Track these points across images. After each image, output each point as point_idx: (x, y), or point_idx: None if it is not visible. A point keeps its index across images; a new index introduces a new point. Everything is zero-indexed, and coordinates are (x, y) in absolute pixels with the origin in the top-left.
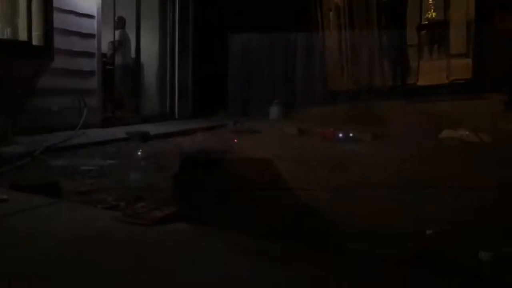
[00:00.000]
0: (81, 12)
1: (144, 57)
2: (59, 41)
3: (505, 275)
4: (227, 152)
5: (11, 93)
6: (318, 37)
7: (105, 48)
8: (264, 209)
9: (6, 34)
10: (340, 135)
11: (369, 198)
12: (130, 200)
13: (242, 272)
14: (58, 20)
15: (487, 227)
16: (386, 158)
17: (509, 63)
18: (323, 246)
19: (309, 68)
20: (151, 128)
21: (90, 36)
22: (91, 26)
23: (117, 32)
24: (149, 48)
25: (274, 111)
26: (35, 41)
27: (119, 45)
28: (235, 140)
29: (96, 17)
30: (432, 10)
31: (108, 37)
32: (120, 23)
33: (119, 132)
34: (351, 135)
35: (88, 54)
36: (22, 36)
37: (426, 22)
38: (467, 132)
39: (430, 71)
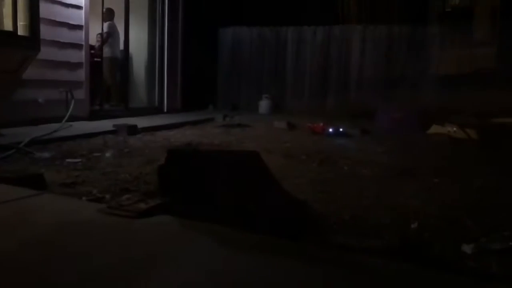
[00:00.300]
0: (68, 2)
1: (132, 50)
2: (45, 32)
3: (487, 267)
4: (215, 146)
5: None
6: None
7: (93, 40)
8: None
9: None
10: (331, 129)
11: (355, 191)
12: (116, 192)
13: (225, 263)
14: (45, 10)
15: (468, 220)
16: (374, 152)
17: None
18: (308, 238)
19: (299, 62)
20: (139, 122)
21: (78, 27)
22: (79, 17)
23: (105, 24)
24: (138, 41)
25: (263, 105)
26: (20, 31)
27: (107, 37)
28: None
29: (84, 8)
30: None
31: (96, 29)
32: (108, 15)
33: (107, 125)
34: (341, 129)
35: (75, 46)
36: (7, 25)
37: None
38: (454, 128)
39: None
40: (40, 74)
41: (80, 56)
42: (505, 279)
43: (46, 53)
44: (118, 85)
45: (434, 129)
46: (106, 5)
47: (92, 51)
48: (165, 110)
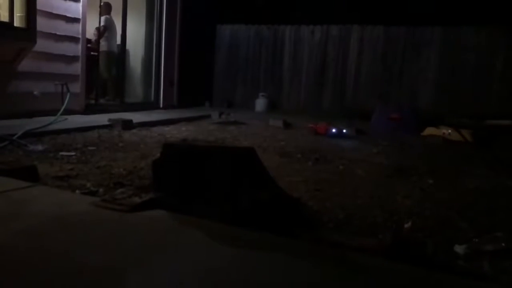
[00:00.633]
0: None
1: (129, 45)
2: (42, 24)
3: (479, 268)
4: (210, 142)
5: None
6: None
7: (90, 33)
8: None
9: None
10: (334, 130)
11: (350, 190)
12: (110, 186)
13: (219, 258)
14: (42, 2)
15: (462, 221)
16: (369, 152)
17: None
18: (302, 235)
19: (296, 61)
20: (135, 117)
21: (75, 20)
22: (76, 10)
23: (103, 18)
24: (135, 36)
25: (260, 103)
26: (17, 23)
27: (104, 31)
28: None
29: (81, 1)
30: None
31: (93, 22)
32: (106, 9)
33: (102, 119)
34: (344, 131)
35: (72, 39)
36: (4, 16)
37: None
38: (449, 130)
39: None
40: (36, 66)
41: (77, 49)
42: (496, 279)
43: (42, 45)
44: (114, 79)
45: (429, 131)
46: None
47: (89, 45)
48: (161, 106)
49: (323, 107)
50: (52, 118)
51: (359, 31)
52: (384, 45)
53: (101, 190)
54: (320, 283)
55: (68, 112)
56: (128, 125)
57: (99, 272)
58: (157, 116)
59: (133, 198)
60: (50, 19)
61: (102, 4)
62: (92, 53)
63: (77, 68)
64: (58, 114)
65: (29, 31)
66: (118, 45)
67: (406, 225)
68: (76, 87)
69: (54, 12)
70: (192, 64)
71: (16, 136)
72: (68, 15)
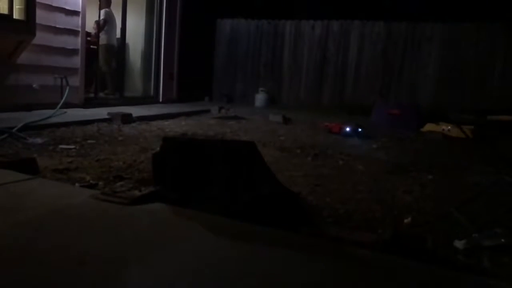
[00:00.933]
0: None
1: (129, 38)
2: (41, 16)
3: (478, 263)
4: (209, 137)
5: None
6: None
7: (89, 26)
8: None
9: None
10: (348, 129)
11: (350, 185)
12: (109, 179)
13: (217, 252)
14: None
15: (461, 216)
16: (369, 147)
17: None
18: (301, 229)
19: (297, 56)
20: (134, 110)
21: (75, 13)
22: (76, 2)
23: (102, 11)
24: (135, 29)
25: (260, 98)
26: (16, 15)
27: (104, 24)
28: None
29: None
30: None
31: (93, 15)
32: (105, 2)
33: (101, 112)
34: (359, 129)
35: (71, 32)
36: (3, 8)
37: None
38: (449, 127)
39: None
40: (35, 59)
41: (76, 42)
42: (495, 274)
43: (41, 38)
44: (114, 73)
45: (429, 127)
46: None
47: (89, 38)
48: (161, 100)
49: (323, 103)
50: (51, 111)
51: (359, 26)
52: (385, 41)
53: (100, 183)
54: (319, 277)
55: (67, 105)
56: (127, 119)
57: (99, 264)
58: (156, 110)
59: (133, 191)
60: (49, 11)
61: None
62: (91, 46)
63: (77, 61)
64: (58, 107)
65: (29, 24)
66: (118, 38)
67: (405, 220)
68: (76, 81)
69: (54, 4)
70: (192, 59)
71: (15, 129)
72: (67, 7)
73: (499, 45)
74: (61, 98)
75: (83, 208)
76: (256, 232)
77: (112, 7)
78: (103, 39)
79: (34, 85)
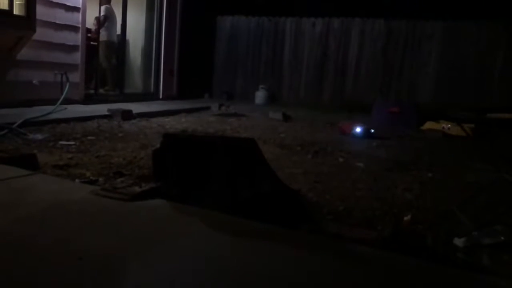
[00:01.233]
0: None
1: (129, 35)
2: (41, 12)
3: (477, 261)
4: (209, 134)
5: None
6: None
7: (90, 23)
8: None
9: None
10: (358, 129)
11: (350, 182)
12: (109, 175)
13: (217, 248)
14: None
15: (461, 214)
16: (369, 145)
17: None
18: (301, 226)
19: (297, 53)
20: (134, 107)
21: (75, 9)
22: None
23: (103, 7)
24: (135, 26)
25: (260, 96)
26: (16, 11)
27: (104, 20)
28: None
29: None
30: None
31: (93, 12)
32: None
33: (101, 109)
34: (372, 131)
35: (72, 28)
36: (3, 4)
37: None
38: (449, 125)
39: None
40: (35, 55)
41: (76, 38)
42: (495, 272)
43: (41, 34)
44: (114, 69)
45: (429, 125)
46: None
47: (89, 34)
48: (161, 97)
49: (323, 100)
50: (51, 107)
51: (360, 24)
52: (385, 39)
53: (100, 179)
54: (319, 274)
55: (68, 101)
56: (127, 115)
57: (99, 259)
58: (156, 107)
59: (133, 188)
60: (49, 7)
61: None
62: (91, 42)
63: (77, 57)
64: (58, 103)
65: (29, 19)
66: (118, 35)
67: (405, 218)
68: (76, 77)
69: (54, 0)
70: (192, 56)
71: (15, 124)
72: (67, 3)
73: (500, 43)
74: (61, 94)
75: (83, 204)
76: (256, 229)
77: (112, 3)
78: (103, 35)
79: (34, 81)
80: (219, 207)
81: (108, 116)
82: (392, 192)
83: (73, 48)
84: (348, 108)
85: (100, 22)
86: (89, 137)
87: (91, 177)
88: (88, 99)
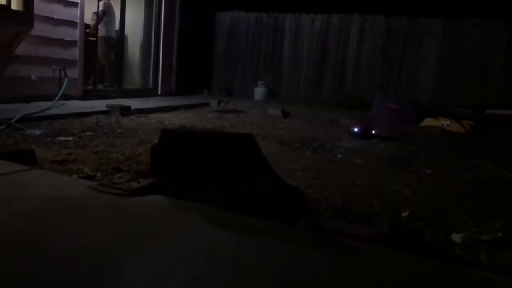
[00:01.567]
0: None
1: (128, 30)
2: (40, 7)
3: (475, 257)
4: (208, 130)
5: None
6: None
7: (88, 18)
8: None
9: None
10: (356, 129)
11: (348, 179)
12: (107, 171)
13: (216, 244)
14: None
15: (459, 210)
16: (368, 142)
17: None
18: (300, 222)
19: (296, 49)
20: (133, 103)
21: (73, 4)
22: None
23: (101, 3)
24: (133, 21)
25: (259, 92)
26: (14, 6)
27: (103, 15)
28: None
29: None
30: None
31: (91, 7)
32: None
33: (100, 105)
34: (373, 132)
35: (70, 23)
36: None
37: None
38: (448, 122)
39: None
40: (34, 50)
41: (75, 34)
42: (493, 268)
43: (39, 29)
44: (112, 65)
45: (427, 121)
46: None
47: (87, 30)
48: (159, 93)
49: (322, 97)
50: (49, 103)
51: (359, 20)
52: (385, 36)
53: (99, 175)
54: (317, 270)
55: (66, 97)
56: (126, 111)
57: (98, 254)
58: (155, 103)
59: (132, 183)
60: (47, 2)
61: None
62: (90, 38)
63: (75, 53)
64: (56, 99)
65: (27, 14)
66: (117, 30)
67: (404, 214)
68: (74, 72)
69: None
70: (191, 52)
71: (13, 120)
72: None
73: (499, 41)
74: (60, 89)
75: (82, 199)
76: (255, 224)
77: None
78: (101, 31)
79: (32, 77)
80: (217, 203)
81: (107, 112)
82: (391, 188)
83: (71, 44)
84: (348, 105)
85: (99, 17)
86: (88, 133)
87: (89, 173)
88: (86, 95)
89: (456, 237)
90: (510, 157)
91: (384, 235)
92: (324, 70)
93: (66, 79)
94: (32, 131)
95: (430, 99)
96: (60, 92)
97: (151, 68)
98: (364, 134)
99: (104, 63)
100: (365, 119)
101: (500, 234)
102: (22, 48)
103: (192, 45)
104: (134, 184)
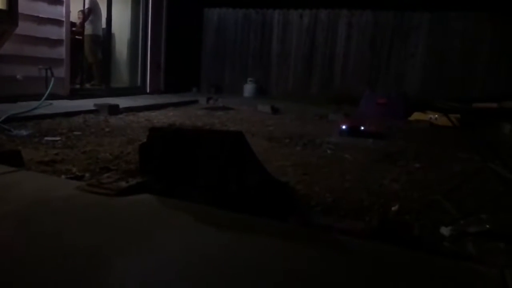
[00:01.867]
0: None
1: (115, 28)
2: (24, 6)
3: (463, 249)
4: (197, 127)
5: None
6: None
7: (74, 16)
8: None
9: None
10: (344, 126)
11: (338, 174)
12: (96, 171)
13: (205, 242)
14: None
15: (447, 203)
16: (356, 137)
17: None
18: (290, 218)
19: (285, 45)
20: (121, 102)
21: (58, 2)
22: None
23: (87, 0)
24: (120, 19)
25: (248, 88)
26: None
27: (89, 13)
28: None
29: None
30: None
31: (77, 5)
32: None
33: (87, 104)
34: (362, 128)
35: (55, 22)
36: None
37: None
38: (436, 116)
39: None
40: (18, 50)
41: (60, 32)
42: (480, 260)
43: (24, 28)
44: (100, 64)
45: (416, 116)
46: None
47: (73, 28)
48: (148, 91)
49: (312, 92)
50: (36, 103)
51: (347, 15)
52: (373, 30)
53: (87, 175)
54: (307, 265)
55: (53, 96)
56: (114, 110)
57: (87, 255)
58: (143, 101)
59: (120, 183)
60: (32, 1)
61: None
62: (76, 36)
63: (61, 52)
64: (43, 98)
65: (11, 13)
66: (103, 28)
67: (393, 208)
68: (61, 72)
69: None
70: (179, 49)
71: None
72: None
73: (486, 34)
74: (46, 89)
75: (70, 200)
76: (245, 221)
77: None
78: (88, 29)
79: (18, 76)
80: (207, 201)
81: (95, 111)
82: (380, 183)
83: (57, 42)
84: (337, 100)
85: (85, 15)
86: (75, 133)
87: (77, 173)
88: (74, 94)
89: (445, 230)
90: (495, 149)
91: (373, 230)
92: (312, 65)
93: (52, 79)
94: (19, 132)
95: (418, 93)
96: (47, 92)
97: (139, 66)
98: (353, 131)
99: (91, 62)
100: (354, 115)
101: (487, 226)
102: (7, 48)
103: (180, 43)
104: (123, 184)
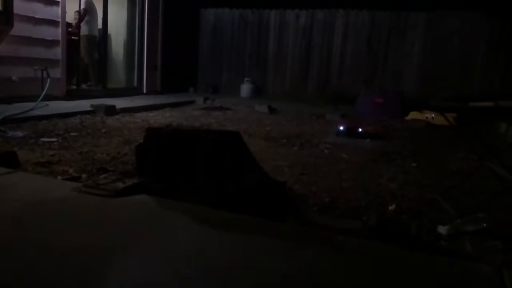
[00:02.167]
0: None
1: (111, 28)
2: (19, 6)
3: (461, 248)
4: (194, 128)
5: None
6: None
7: (70, 17)
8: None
9: None
10: (341, 127)
11: (335, 174)
12: (93, 172)
13: (202, 242)
14: None
15: (444, 202)
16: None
17: None
18: (288, 218)
19: (282, 45)
20: (117, 102)
21: (54, 3)
22: None
23: (83, 1)
24: (117, 19)
25: (245, 89)
26: None
27: (85, 14)
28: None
29: None
30: None
31: (73, 5)
32: None
33: (84, 104)
34: (360, 130)
35: (51, 22)
36: None
37: None
38: (432, 115)
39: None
40: (14, 50)
41: (56, 33)
42: (478, 259)
43: (20, 29)
44: (96, 64)
45: (413, 115)
46: None
47: (69, 29)
48: (144, 91)
49: (309, 92)
50: (32, 104)
51: (344, 15)
52: (369, 30)
53: (84, 176)
54: (305, 265)
55: (49, 97)
56: (111, 111)
57: (84, 256)
58: (140, 102)
59: (117, 183)
60: (27, 1)
61: None
62: (72, 37)
63: (57, 52)
64: (39, 99)
65: (6, 14)
66: (100, 29)
67: (390, 207)
68: (57, 72)
69: None
70: (176, 49)
71: None
72: None
73: (483, 33)
74: (42, 90)
75: (66, 201)
76: (242, 222)
77: None
78: (84, 29)
79: (13, 77)
80: (204, 201)
81: (91, 112)
82: (377, 182)
83: (53, 43)
84: (334, 100)
85: (81, 16)
86: (72, 133)
87: (74, 174)
88: (70, 95)
89: (442, 229)
90: (492, 148)
91: (371, 229)
92: (309, 65)
93: (48, 79)
94: (15, 133)
95: (416, 91)
96: (43, 93)
97: (135, 66)
98: (350, 132)
99: (87, 63)
100: (351, 115)
101: (484, 225)
102: (2, 49)
103: (177, 43)
104: (119, 185)
